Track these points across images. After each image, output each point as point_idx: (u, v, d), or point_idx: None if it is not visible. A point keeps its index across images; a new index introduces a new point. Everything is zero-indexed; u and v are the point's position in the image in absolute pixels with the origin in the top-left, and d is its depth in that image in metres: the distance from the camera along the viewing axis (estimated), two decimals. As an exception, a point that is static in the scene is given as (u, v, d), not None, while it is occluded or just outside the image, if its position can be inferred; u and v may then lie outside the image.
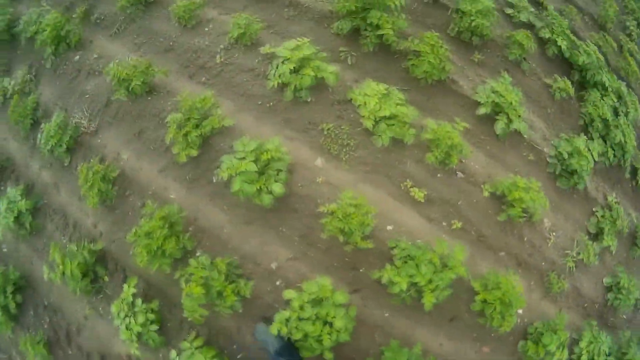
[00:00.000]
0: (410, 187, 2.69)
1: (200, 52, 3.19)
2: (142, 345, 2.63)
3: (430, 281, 2.36)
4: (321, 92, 2.87)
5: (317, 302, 2.38)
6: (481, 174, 2.81)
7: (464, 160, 2.79)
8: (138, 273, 2.74)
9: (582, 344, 2.78)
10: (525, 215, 2.72)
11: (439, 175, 2.75)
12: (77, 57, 3.52)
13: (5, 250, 3.40)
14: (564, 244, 2.91)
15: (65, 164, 3.19)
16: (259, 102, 2.90)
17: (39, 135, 3.28)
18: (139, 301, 2.63)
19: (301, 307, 2.34)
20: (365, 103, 2.65)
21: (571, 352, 2.81)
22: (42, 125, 3.26)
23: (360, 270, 2.57)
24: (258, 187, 2.49)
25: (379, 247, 2.56)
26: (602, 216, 3.00)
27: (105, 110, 3.18)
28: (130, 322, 2.57)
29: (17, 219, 3.15)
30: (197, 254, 2.71)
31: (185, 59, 3.20)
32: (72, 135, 3.14)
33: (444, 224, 2.71)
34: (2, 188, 3.50)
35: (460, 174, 2.78)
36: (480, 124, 2.93)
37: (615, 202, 3.14)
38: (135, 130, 3.05)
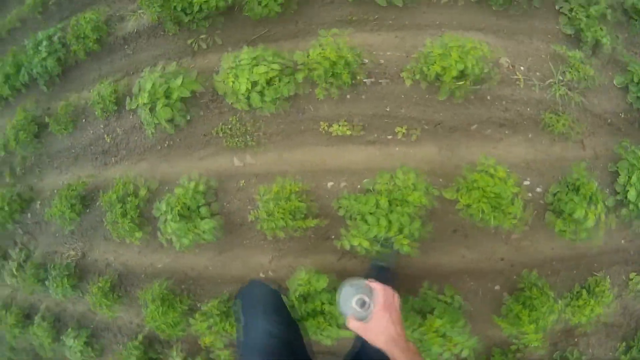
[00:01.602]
0: (328, 128, 2.28)
1: (95, 141, 2.96)
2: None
3: (388, 227, 2.01)
4: (194, 102, 2.52)
5: (306, 296, 2.22)
6: (393, 62, 2.25)
7: (366, 61, 2.26)
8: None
9: (622, 178, 2.15)
10: (466, 75, 2.13)
11: (348, 97, 2.28)
12: None
13: None
14: (540, 74, 2.23)
15: None
16: (159, 148, 2.69)
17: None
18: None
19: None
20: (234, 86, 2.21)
21: (616, 193, 2.21)
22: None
23: (333, 237, 2.31)
24: (193, 233, 2.35)
25: (331, 211, 2.26)
26: (571, 10, 2.21)
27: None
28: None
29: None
30: (199, 305, 2.72)
31: (90, 154, 3.00)
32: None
33: (389, 137, 2.27)
34: None
35: (368, 80, 2.27)
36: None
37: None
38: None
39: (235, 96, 2.20)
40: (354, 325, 1.13)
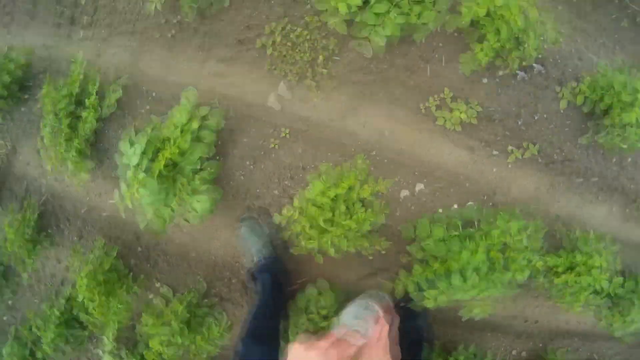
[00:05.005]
0: (435, 108, 1.51)
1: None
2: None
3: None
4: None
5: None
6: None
7: (546, 47, 1.46)
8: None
9: None
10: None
11: (484, 80, 1.49)
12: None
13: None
14: None
15: None
16: (157, 35, 1.63)
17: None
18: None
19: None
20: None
21: None
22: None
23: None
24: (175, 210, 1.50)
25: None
26: None
27: None
28: None
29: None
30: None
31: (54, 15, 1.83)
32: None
33: (510, 148, 1.56)
34: None
35: (538, 66, 1.49)
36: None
37: None
38: None
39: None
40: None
